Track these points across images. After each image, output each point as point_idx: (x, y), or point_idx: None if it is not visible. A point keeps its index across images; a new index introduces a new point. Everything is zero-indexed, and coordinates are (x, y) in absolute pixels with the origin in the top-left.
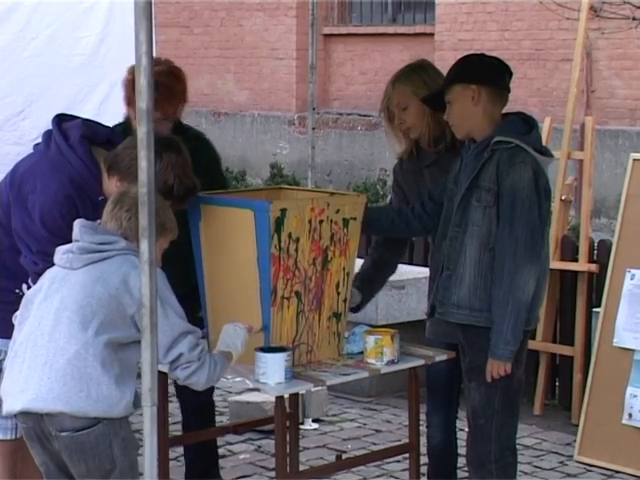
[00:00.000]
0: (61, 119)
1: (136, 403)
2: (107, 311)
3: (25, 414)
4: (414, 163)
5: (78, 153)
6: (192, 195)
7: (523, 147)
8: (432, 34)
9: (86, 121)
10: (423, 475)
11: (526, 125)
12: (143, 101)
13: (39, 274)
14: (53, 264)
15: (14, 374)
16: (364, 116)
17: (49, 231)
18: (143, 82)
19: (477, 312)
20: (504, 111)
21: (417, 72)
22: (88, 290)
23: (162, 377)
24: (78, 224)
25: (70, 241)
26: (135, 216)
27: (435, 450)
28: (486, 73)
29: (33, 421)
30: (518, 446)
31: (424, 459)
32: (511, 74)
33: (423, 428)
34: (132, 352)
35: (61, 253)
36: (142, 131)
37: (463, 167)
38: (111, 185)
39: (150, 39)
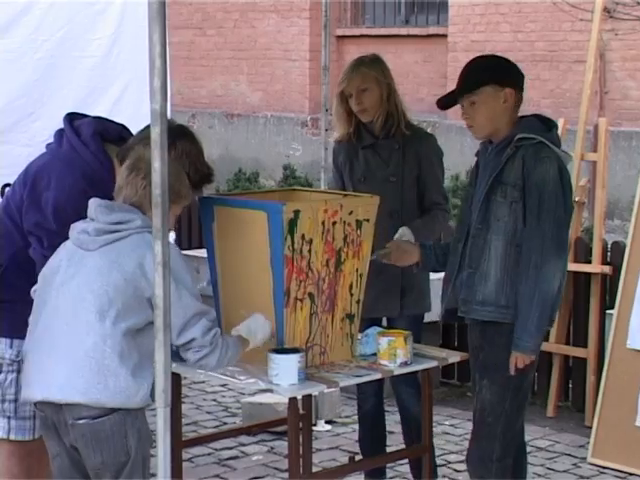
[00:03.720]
0: (72, 117)
1: (153, 395)
2: (124, 298)
3: (43, 403)
4: (352, 144)
5: (91, 149)
6: (207, 182)
7: (546, 143)
8: (445, 35)
9: (97, 118)
10: (438, 477)
11: (545, 125)
12: (157, 102)
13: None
14: None
15: (34, 363)
16: None
17: (62, 226)
18: (157, 83)
19: (503, 309)
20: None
21: (379, 62)
22: (104, 278)
23: (175, 378)
24: (94, 203)
25: None
26: (150, 184)
27: (367, 416)
28: (517, 76)
29: (51, 410)
30: (531, 448)
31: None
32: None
33: (436, 430)
34: (149, 336)
35: (77, 232)
36: (155, 132)
37: (481, 168)
38: None
39: (164, 41)
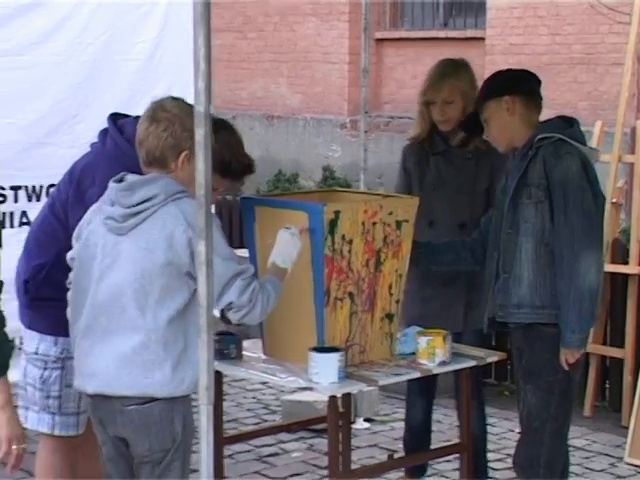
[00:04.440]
0: (116, 117)
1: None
2: (161, 283)
3: (94, 395)
4: (423, 148)
5: (134, 144)
6: (249, 172)
7: (566, 140)
8: (483, 38)
9: (139, 117)
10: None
11: (566, 123)
12: (201, 104)
13: None
14: None
15: (84, 356)
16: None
17: None
18: (201, 85)
19: (539, 309)
20: (544, 118)
21: (467, 71)
22: (138, 269)
23: (217, 376)
24: (114, 188)
25: None
26: (172, 135)
27: (415, 429)
28: (515, 83)
29: (101, 400)
30: (569, 447)
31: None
32: (539, 82)
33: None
34: (193, 313)
35: (105, 216)
36: (199, 133)
37: (509, 175)
38: None
39: (208, 43)
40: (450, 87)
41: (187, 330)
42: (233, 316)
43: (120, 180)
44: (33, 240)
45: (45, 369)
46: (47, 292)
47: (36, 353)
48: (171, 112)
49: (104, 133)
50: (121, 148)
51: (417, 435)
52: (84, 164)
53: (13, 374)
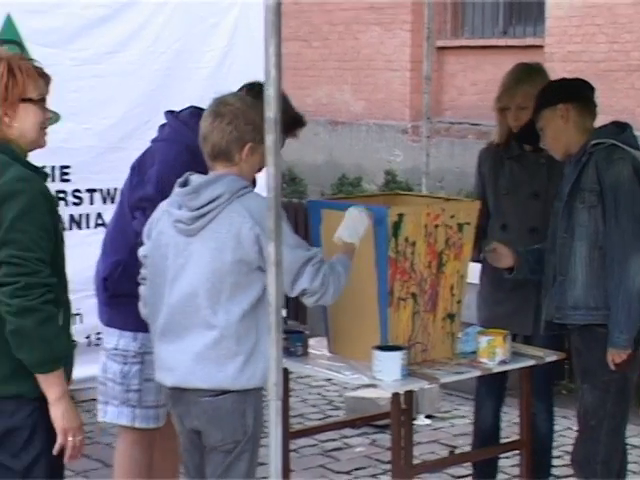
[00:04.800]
0: (171, 111)
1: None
2: (232, 280)
3: (172, 388)
4: (498, 153)
5: (190, 125)
6: (299, 125)
7: (619, 145)
8: (542, 46)
9: (192, 107)
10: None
11: (619, 128)
12: (271, 111)
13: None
14: None
15: (163, 352)
16: (475, 125)
17: (164, 196)
18: (271, 92)
19: (593, 310)
20: (602, 124)
21: (539, 75)
22: (209, 269)
23: (284, 373)
24: (179, 193)
25: None
26: (236, 128)
27: (485, 433)
28: (568, 91)
29: (178, 392)
30: (626, 446)
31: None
32: (593, 89)
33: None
34: (264, 306)
35: (174, 219)
36: (270, 139)
37: (564, 181)
38: None
39: (279, 52)
40: (524, 93)
41: (259, 323)
42: (308, 300)
43: (184, 183)
44: (109, 239)
45: (125, 364)
46: (125, 288)
47: (116, 349)
48: (234, 106)
49: (162, 125)
50: (178, 130)
51: (486, 438)
52: (144, 152)
53: (82, 370)
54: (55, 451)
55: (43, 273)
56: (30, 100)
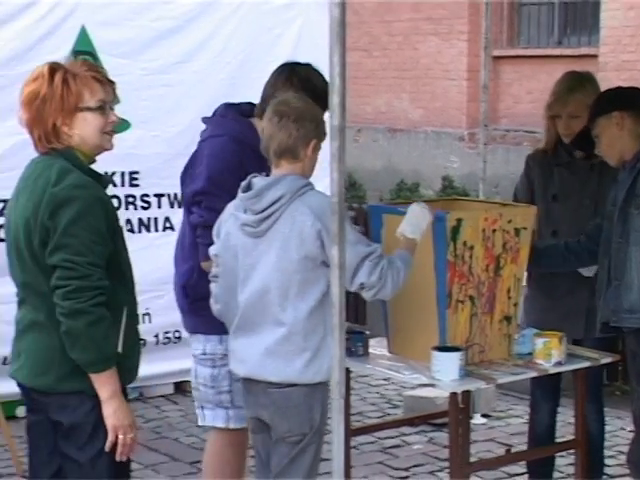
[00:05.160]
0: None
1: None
2: (298, 278)
3: (244, 378)
4: (548, 158)
5: (229, 117)
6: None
7: None
8: (596, 55)
9: (242, 103)
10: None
11: None
12: (335, 118)
13: (205, 226)
14: (217, 218)
15: (237, 346)
16: (530, 132)
17: (217, 187)
18: (336, 100)
19: None
20: None
21: (591, 84)
22: (277, 269)
23: (346, 372)
24: (243, 198)
25: (235, 196)
26: (303, 125)
27: (541, 434)
28: (623, 99)
29: (249, 383)
30: None
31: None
32: None
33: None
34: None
35: (240, 224)
36: (334, 146)
37: (619, 187)
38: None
39: (343, 61)
40: (576, 102)
41: (326, 318)
42: (366, 294)
43: (247, 188)
44: (179, 249)
45: (214, 367)
46: (205, 291)
47: (204, 354)
48: (297, 105)
49: (203, 131)
50: (219, 125)
51: (542, 439)
52: (192, 154)
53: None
54: (107, 448)
55: (94, 276)
56: (88, 108)
